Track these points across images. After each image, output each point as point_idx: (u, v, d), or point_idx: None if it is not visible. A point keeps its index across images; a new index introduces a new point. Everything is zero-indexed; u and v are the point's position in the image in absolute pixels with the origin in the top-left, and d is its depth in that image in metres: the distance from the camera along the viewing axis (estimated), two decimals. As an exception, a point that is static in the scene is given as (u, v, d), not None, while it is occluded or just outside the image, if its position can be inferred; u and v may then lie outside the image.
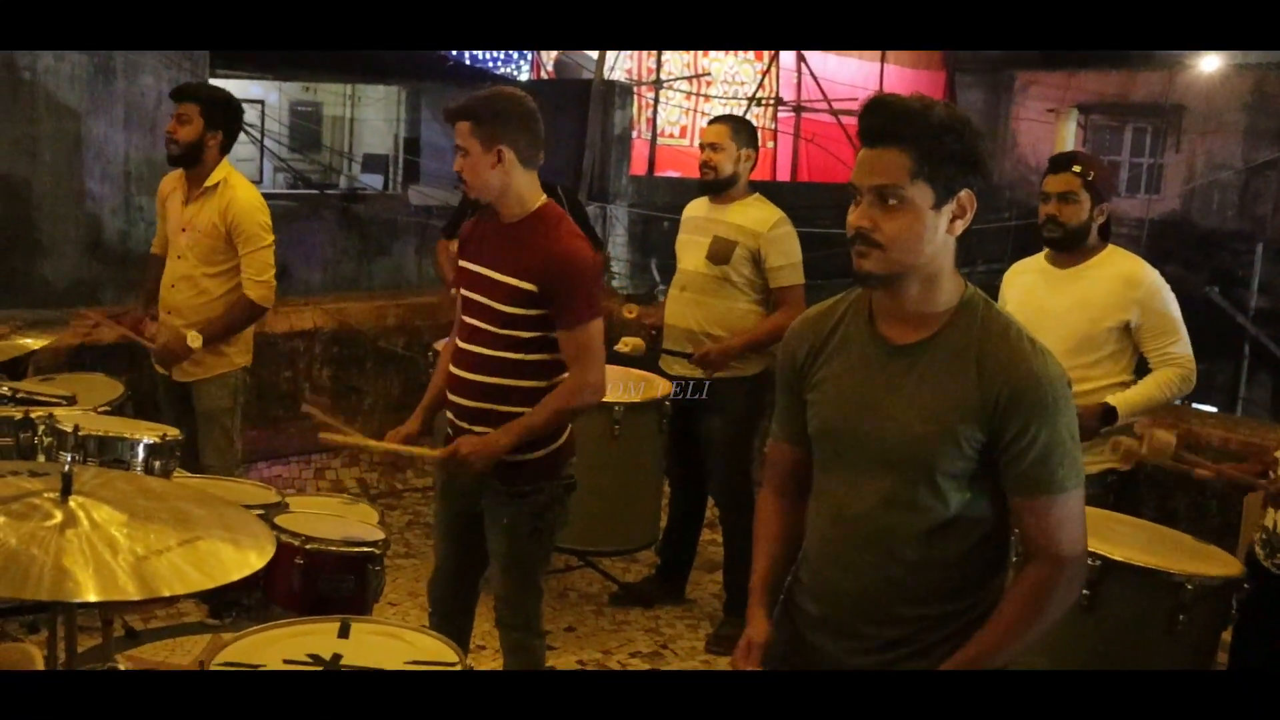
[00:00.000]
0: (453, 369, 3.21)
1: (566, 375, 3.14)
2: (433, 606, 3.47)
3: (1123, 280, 3.62)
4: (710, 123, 4.63)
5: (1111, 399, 3.58)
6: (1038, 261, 3.83)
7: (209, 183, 4.32)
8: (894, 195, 1.99)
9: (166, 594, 1.95)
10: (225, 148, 4.39)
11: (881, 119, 2.01)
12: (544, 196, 3.20)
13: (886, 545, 2.09)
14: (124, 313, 4.79)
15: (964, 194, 2.02)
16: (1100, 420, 3.56)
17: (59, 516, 2.00)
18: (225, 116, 4.38)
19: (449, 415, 3.25)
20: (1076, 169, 3.67)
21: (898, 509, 2.07)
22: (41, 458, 3.06)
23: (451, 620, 3.38)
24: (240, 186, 4.38)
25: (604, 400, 4.42)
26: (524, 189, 3.15)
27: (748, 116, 15.21)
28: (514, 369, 3.12)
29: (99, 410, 3.69)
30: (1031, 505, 2.02)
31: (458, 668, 2.39)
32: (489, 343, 3.13)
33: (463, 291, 3.21)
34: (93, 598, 1.85)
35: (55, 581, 1.83)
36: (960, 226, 2.04)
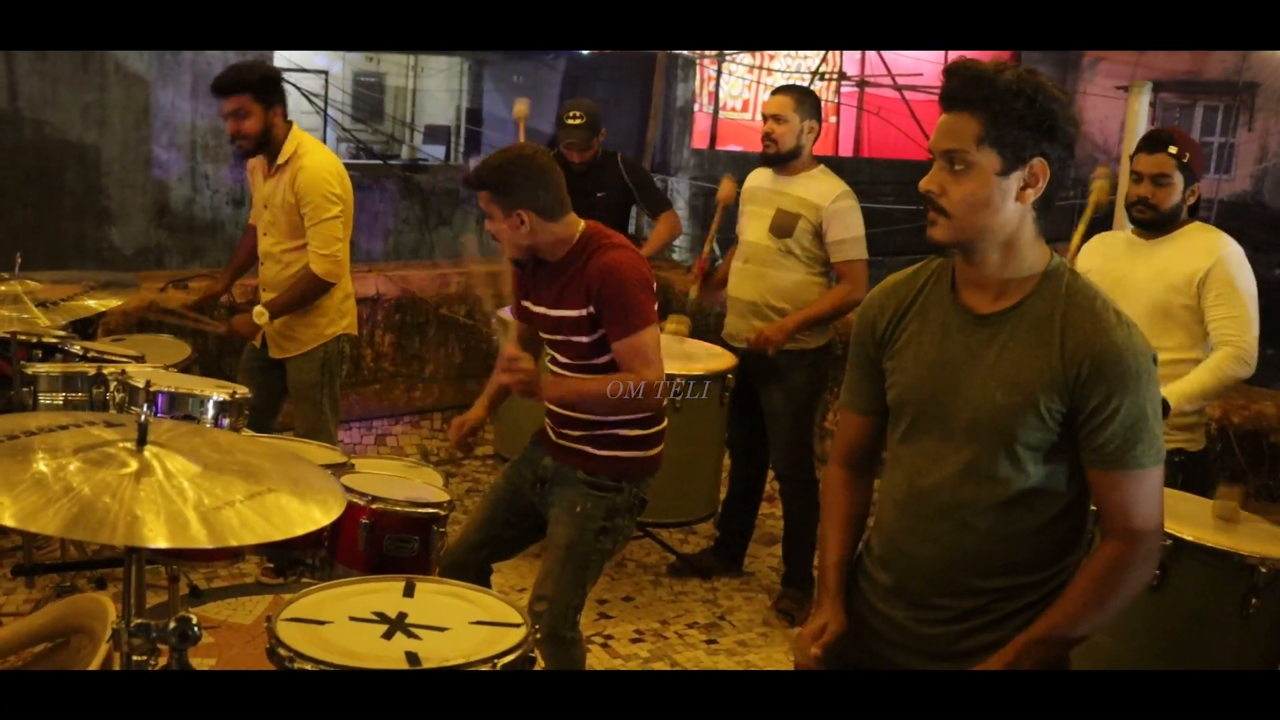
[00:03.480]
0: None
1: None
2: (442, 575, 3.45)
3: (1201, 250, 3.55)
4: (773, 93, 4.56)
5: (1165, 391, 3.49)
6: (1124, 232, 3.78)
7: (280, 159, 4.26)
8: (960, 160, 1.97)
9: (235, 544, 1.96)
10: (286, 114, 4.31)
11: (954, 83, 2.00)
12: (581, 225, 3.19)
13: (962, 516, 2.06)
14: (193, 277, 4.86)
15: (1036, 162, 1.97)
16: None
17: (134, 465, 2.02)
18: (275, 89, 4.26)
19: (546, 419, 3.33)
20: (1173, 150, 3.55)
21: (976, 479, 2.04)
22: (114, 412, 3.10)
23: None
24: (309, 155, 4.28)
25: (666, 371, 4.45)
26: (558, 233, 3.16)
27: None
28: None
29: (167, 369, 3.74)
30: (1109, 479, 1.99)
31: (522, 629, 2.39)
32: (575, 369, 3.22)
33: (540, 333, 3.30)
34: (164, 544, 1.86)
35: (129, 527, 1.85)
36: (1031, 195, 2.00)
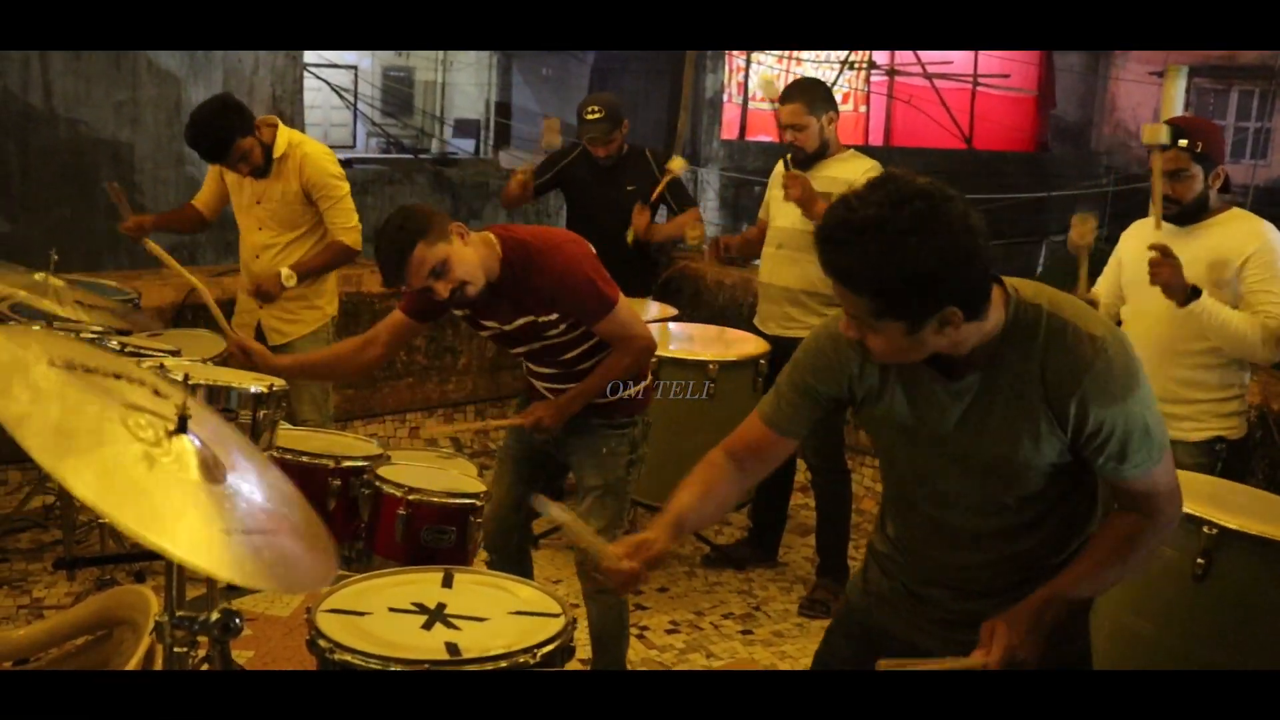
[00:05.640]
0: (535, 383, 3.41)
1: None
2: (490, 547, 3.50)
3: (1243, 236, 3.49)
4: (781, 102, 4.48)
5: (1206, 297, 3.39)
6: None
7: (277, 153, 4.34)
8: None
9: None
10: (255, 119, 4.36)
11: None
12: (491, 235, 3.15)
13: (983, 542, 2.12)
14: (225, 272, 4.90)
15: None
16: (1186, 294, 3.35)
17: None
18: (243, 114, 4.30)
19: (539, 385, 3.42)
20: (1183, 144, 3.49)
21: (988, 514, 2.08)
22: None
23: (510, 559, 3.47)
24: (308, 144, 4.42)
25: (699, 358, 4.47)
26: (486, 252, 3.09)
27: (840, 81, 15.06)
28: (590, 360, 3.30)
29: (204, 363, 3.75)
30: (1121, 485, 2.03)
31: (561, 619, 2.40)
32: (561, 371, 3.31)
33: (511, 350, 3.35)
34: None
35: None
36: None
